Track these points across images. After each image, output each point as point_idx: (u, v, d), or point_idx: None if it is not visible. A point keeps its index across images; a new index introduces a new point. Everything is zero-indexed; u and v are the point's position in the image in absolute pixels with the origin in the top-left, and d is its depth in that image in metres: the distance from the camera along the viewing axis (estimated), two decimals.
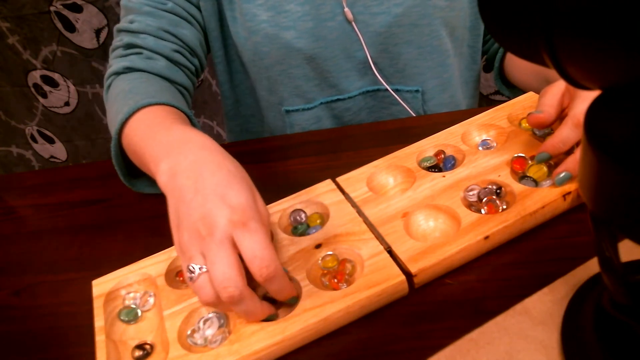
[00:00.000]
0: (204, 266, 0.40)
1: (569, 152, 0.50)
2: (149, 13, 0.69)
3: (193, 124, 0.59)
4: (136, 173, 0.61)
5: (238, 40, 0.74)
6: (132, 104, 0.57)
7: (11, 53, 1.40)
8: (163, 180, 0.46)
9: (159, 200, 0.63)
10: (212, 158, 0.46)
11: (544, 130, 0.56)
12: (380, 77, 0.75)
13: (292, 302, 0.44)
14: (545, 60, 0.27)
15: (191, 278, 0.41)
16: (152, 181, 0.57)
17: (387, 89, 0.76)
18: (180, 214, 0.43)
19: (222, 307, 0.44)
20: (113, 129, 0.59)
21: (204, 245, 0.41)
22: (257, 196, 0.44)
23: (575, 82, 0.27)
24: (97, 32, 1.34)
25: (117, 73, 0.69)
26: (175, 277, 0.50)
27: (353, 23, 0.70)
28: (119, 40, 0.71)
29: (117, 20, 0.74)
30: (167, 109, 0.58)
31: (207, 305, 0.44)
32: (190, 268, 0.41)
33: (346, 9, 0.69)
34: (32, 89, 1.48)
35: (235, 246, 0.41)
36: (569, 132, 0.49)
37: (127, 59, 0.69)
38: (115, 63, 0.69)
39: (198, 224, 0.41)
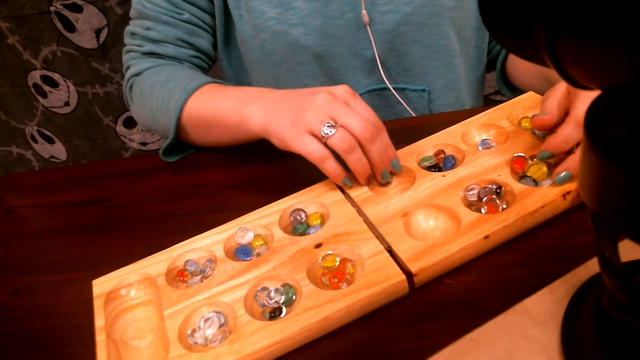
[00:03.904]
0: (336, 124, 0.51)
1: (570, 151, 0.50)
2: (168, 22, 0.72)
3: None
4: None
5: (244, 39, 0.74)
6: (183, 87, 0.66)
7: (11, 53, 1.40)
8: (258, 116, 0.57)
9: (159, 200, 0.64)
10: (292, 90, 0.57)
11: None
12: (387, 75, 0.75)
13: (385, 179, 0.54)
14: (545, 60, 0.27)
15: (330, 132, 0.50)
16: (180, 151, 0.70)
17: (394, 88, 0.76)
18: (296, 107, 0.53)
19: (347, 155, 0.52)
20: (163, 115, 0.67)
21: (332, 109, 0.51)
22: None
23: (576, 82, 0.27)
24: (97, 32, 1.34)
25: (140, 74, 0.73)
26: (176, 276, 0.50)
27: (362, 21, 0.70)
28: (137, 45, 0.74)
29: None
30: (216, 84, 0.67)
31: (343, 154, 0.51)
32: (328, 124, 0.51)
33: (364, 11, 0.69)
34: (32, 89, 1.48)
35: None
36: (571, 131, 0.49)
37: (149, 60, 0.73)
38: (135, 64, 0.74)
39: (320, 98, 0.52)
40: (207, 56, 0.78)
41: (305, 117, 0.52)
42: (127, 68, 0.76)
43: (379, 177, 0.54)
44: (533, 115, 0.54)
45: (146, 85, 0.71)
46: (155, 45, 0.73)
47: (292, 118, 0.53)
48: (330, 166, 0.52)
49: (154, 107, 0.69)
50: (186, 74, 0.70)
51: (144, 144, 1.46)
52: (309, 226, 0.53)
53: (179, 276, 0.50)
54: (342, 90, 0.54)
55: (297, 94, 0.56)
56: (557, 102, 0.52)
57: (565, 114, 0.52)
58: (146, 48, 0.74)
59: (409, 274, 0.44)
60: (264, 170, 0.65)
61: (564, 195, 0.48)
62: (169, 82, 0.68)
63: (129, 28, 0.75)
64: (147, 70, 0.73)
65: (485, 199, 0.50)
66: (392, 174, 0.56)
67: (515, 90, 0.83)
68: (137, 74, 0.74)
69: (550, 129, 0.53)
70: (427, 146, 0.58)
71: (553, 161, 0.52)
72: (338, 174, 0.53)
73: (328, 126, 0.51)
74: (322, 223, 0.52)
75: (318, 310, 0.43)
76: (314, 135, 0.52)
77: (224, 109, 0.61)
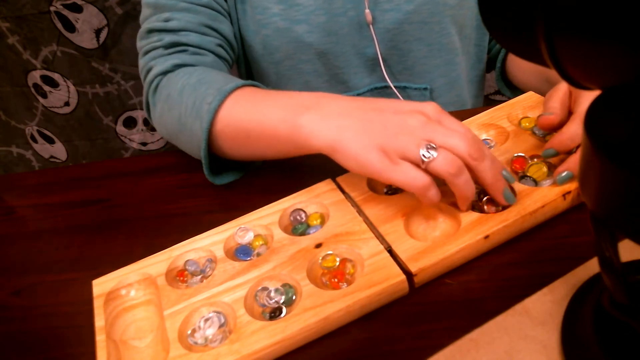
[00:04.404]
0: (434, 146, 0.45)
1: (570, 151, 0.50)
2: (187, 9, 0.67)
3: None
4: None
5: (247, 35, 0.74)
6: (217, 89, 0.57)
7: (11, 53, 1.40)
8: (320, 130, 0.49)
9: (159, 200, 0.64)
10: (359, 100, 0.51)
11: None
12: (389, 74, 0.75)
13: (509, 199, 0.47)
14: (545, 60, 0.27)
15: (433, 155, 0.45)
16: (234, 171, 0.62)
17: (395, 87, 0.76)
18: (381, 128, 0.47)
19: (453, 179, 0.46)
20: (192, 121, 0.58)
21: (429, 131, 0.46)
22: None
23: (576, 82, 0.27)
24: (97, 32, 1.34)
25: (165, 72, 0.66)
26: (176, 276, 0.50)
27: (365, 19, 0.70)
28: (156, 40, 0.67)
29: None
30: (255, 87, 0.58)
31: (450, 177, 0.45)
32: (428, 146, 0.45)
33: (367, 10, 0.69)
34: (32, 89, 1.48)
35: None
36: (577, 128, 0.49)
37: (173, 56, 0.66)
38: (158, 63, 0.66)
39: (413, 120, 0.46)
40: (229, 45, 0.72)
41: (400, 142, 0.45)
42: (149, 70, 0.67)
43: (501, 199, 0.47)
44: (539, 116, 0.54)
45: (175, 88, 0.63)
46: (177, 35, 0.66)
47: (379, 143, 0.46)
48: (434, 194, 0.46)
49: (183, 112, 0.60)
50: (221, 77, 0.62)
51: (144, 144, 1.46)
52: (309, 226, 0.53)
53: (179, 276, 0.50)
54: (432, 108, 0.48)
55: (369, 107, 0.49)
56: (560, 102, 0.53)
57: (568, 113, 0.53)
58: (167, 39, 0.66)
59: (409, 274, 0.44)
60: (264, 170, 0.65)
61: (564, 195, 0.48)
62: (201, 84, 0.60)
63: (144, 28, 0.69)
64: (176, 70, 0.65)
65: (485, 198, 0.50)
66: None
67: (515, 89, 0.84)
68: (162, 73, 0.66)
69: (556, 129, 0.53)
70: None
71: (553, 161, 0.52)
72: (438, 202, 0.47)
73: (428, 149, 0.45)
74: (322, 223, 0.52)
75: (318, 310, 0.43)
76: (408, 160, 0.45)
77: (271, 117, 0.53)
